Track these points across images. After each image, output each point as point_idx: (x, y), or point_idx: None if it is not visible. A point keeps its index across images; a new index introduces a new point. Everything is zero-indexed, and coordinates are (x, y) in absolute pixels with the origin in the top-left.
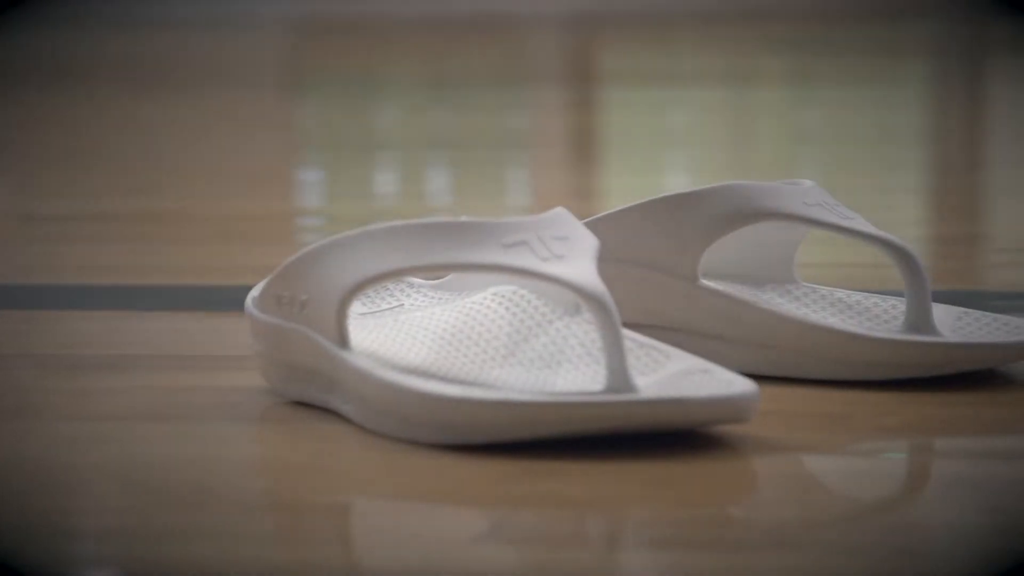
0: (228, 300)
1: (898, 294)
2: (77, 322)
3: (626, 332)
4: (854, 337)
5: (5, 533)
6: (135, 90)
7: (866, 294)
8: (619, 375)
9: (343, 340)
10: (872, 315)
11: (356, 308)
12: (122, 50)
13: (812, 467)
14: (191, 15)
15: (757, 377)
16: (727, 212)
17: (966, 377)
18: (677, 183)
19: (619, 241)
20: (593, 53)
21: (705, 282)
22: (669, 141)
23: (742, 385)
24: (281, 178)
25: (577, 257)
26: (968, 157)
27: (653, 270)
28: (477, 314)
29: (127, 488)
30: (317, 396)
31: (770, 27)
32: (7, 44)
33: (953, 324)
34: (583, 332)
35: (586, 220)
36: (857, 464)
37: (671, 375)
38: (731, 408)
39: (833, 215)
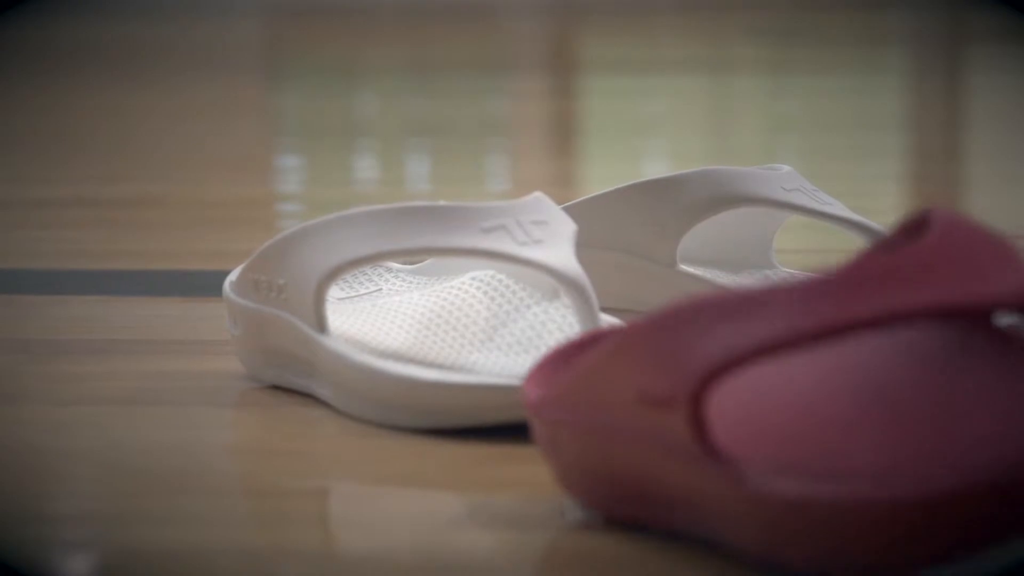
0: (207, 285)
1: None
2: (55, 307)
3: (604, 317)
4: None
5: None
6: (113, 76)
7: None
8: None
9: (321, 324)
10: None
11: (334, 293)
12: (99, 36)
13: None
14: (169, 0)
15: None
16: (705, 197)
17: None
18: (656, 170)
19: (597, 226)
20: (573, 40)
21: (683, 267)
22: (648, 128)
23: None
24: (260, 164)
25: (555, 242)
26: (946, 145)
27: (631, 255)
28: (455, 299)
29: (105, 472)
30: (295, 380)
31: (749, 15)
32: None
33: None
34: (561, 317)
35: (564, 205)
36: None
37: None
38: None
39: (812, 200)
